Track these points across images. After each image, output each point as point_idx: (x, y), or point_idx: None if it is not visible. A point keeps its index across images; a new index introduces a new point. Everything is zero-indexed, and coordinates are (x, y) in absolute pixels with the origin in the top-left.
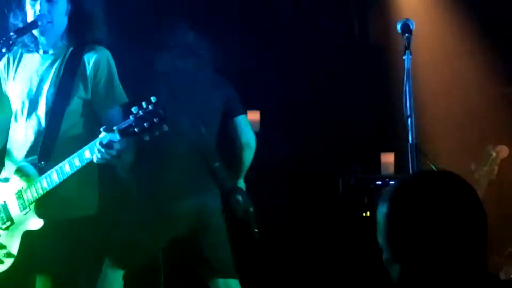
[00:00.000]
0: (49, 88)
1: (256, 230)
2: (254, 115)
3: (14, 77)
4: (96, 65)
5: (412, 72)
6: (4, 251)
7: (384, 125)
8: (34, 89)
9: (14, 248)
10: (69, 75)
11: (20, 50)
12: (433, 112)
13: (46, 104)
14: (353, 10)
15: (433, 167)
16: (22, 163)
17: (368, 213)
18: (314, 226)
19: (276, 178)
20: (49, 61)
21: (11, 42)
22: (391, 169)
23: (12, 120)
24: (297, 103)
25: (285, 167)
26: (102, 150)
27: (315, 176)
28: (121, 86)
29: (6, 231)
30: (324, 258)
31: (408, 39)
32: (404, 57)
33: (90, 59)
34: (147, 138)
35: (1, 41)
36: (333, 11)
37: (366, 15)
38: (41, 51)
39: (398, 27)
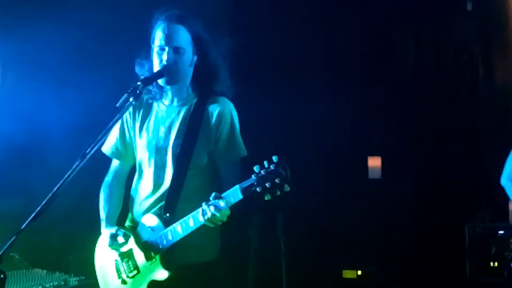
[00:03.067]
0: (175, 139)
1: None
2: (375, 161)
3: (141, 127)
4: (219, 117)
5: None
6: None
7: None
8: (162, 140)
9: None
10: (194, 127)
11: (145, 99)
12: None
13: (173, 155)
14: (477, 54)
15: None
16: (148, 214)
17: (496, 264)
18: (440, 278)
19: (398, 226)
20: (175, 112)
21: (138, 92)
22: None
23: (137, 169)
24: (419, 149)
25: (408, 215)
26: (217, 214)
27: (439, 224)
28: (241, 140)
29: (132, 280)
30: None
31: None
32: None
33: (214, 111)
34: (268, 197)
35: (129, 91)
36: (457, 56)
37: (492, 57)
38: (166, 101)
39: None
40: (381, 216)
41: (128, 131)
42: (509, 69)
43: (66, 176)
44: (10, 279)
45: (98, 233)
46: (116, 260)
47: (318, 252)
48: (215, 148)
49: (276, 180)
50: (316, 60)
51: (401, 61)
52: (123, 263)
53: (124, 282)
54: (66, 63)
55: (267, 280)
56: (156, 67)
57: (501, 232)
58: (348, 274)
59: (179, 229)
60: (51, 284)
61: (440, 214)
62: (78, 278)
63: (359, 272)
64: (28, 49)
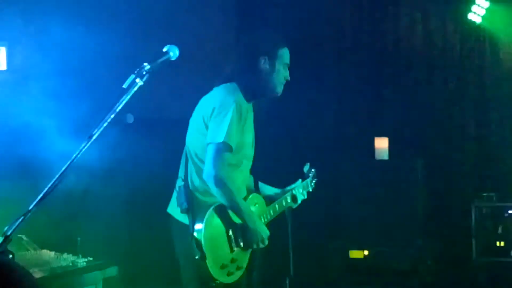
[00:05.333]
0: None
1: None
2: (382, 142)
3: (248, 126)
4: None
5: None
6: (236, 264)
7: None
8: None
9: (244, 262)
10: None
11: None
12: None
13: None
14: (484, 36)
15: None
16: (254, 194)
17: (503, 243)
18: (444, 258)
19: (405, 206)
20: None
21: (144, 73)
22: None
23: (242, 161)
24: (426, 129)
25: (415, 196)
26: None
27: (446, 204)
28: None
29: (239, 248)
30: None
31: None
32: None
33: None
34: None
35: (135, 72)
36: (464, 38)
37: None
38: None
39: None
40: (387, 197)
41: (242, 129)
42: None
43: (73, 157)
44: (18, 260)
45: (105, 215)
46: (228, 233)
47: (324, 232)
48: None
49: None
50: (321, 42)
51: (407, 42)
52: (236, 235)
53: (232, 250)
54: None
55: (273, 260)
56: (280, 78)
57: (508, 212)
58: (355, 254)
59: (288, 199)
60: (59, 265)
61: (447, 195)
62: (86, 259)
63: (366, 252)
64: (33, 31)
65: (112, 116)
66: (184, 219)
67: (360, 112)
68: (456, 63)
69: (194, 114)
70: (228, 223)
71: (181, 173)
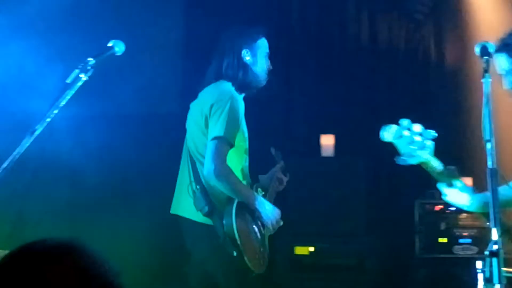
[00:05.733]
0: None
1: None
2: (328, 139)
3: (243, 119)
4: None
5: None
6: (264, 252)
7: (462, 149)
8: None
9: (267, 249)
10: None
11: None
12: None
13: None
14: (429, 32)
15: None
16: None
17: (445, 240)
18: (388, 253)
19: (350, 203)
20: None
21: (88, 68)
22: None
23: (243, 153)
24: (372, 126)
25: (360, 192)
26: None
27: (390, 201)
28: None
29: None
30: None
31: (487, 62)
32: (482, 80)
33: None
34: None
35: (80, 66)
36: (409, 34)
37: (443, 37)
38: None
39: (477, 50)
40: (333, 193)
41: (239, 124)
42: (460, 49)
43: (15, 153)
44: None
45: (50, 212)
46: (253, 225)
47: None
48: None
49: None
50: (268, 38)
51: (353, 40)
52: (258, 225)
53: (258, 239)
54: None
55: None
56: (263, 67)
57: (451, 208)
58: (300, 250)
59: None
60: None
61: (391, 191)
62: None
63: (311, 249)
64: None
65: (56, 111)
66: (207, 221)
67: (306, 109)
68: (402, 61)
69: (191, 117)
70: (250, 214)
71: (184, 176)
